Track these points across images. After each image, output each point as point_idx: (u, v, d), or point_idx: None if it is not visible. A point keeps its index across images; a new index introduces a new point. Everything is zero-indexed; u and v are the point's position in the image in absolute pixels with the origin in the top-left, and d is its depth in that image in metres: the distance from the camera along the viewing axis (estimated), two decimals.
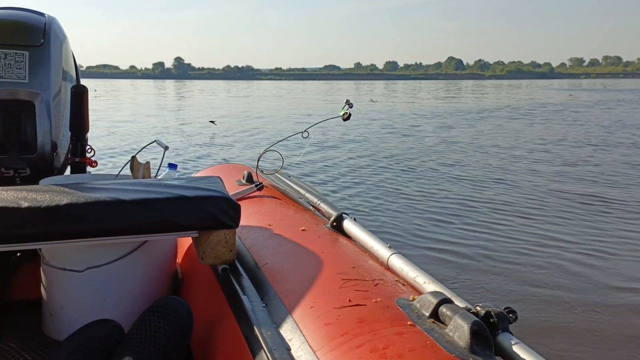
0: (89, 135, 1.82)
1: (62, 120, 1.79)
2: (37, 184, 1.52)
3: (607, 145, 10.11)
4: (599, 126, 13.92)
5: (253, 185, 1.83)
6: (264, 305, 1.10)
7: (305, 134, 1.82)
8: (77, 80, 1.97)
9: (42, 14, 1.78)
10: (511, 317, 0.91)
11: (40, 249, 1.43)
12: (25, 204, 1.13)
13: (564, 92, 39.90)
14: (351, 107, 1.77)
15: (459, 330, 0.87)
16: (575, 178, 6.89)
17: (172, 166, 1.90)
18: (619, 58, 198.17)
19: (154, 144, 1.79)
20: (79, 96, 1.76)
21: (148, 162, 1.75)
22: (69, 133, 1.80)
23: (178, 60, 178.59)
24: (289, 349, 0.94)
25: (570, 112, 18.90)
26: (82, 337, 1.09)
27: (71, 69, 1.90)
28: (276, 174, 1.97)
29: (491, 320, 0.90)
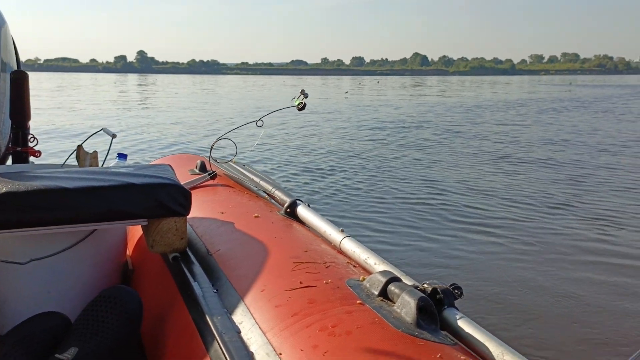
0: (30, 123, 1.74)
1: (2, 107, 1.71)
2: None
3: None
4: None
5: (206, 174, 1.80)
6: (215, 291, 1.09)
7: (259, 123, 1.79)
8: (18, 66, 1.88)
9: None
10: (457, 292, 0.92)
11: None
12: None
13: (553, 87, 40.63)
14: (306, 97, 1.76)
15: (406, 306, 0.88)
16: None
17: (121, 156, 1.84)
18: (576, 55, 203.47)
19: (101, 132, 1.74)
20: (19, 82, 1.68)
21: (95, 152, 1.70)
22: (10, 122, 1.73)
23: (141, 53, 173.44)
24: (239, 332, 0.93)
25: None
26: (24, 329, 1.05)
27: (11, 55, 1.82)
28: (230, 162, 1.94)
29: (437, 296, 0.91)
